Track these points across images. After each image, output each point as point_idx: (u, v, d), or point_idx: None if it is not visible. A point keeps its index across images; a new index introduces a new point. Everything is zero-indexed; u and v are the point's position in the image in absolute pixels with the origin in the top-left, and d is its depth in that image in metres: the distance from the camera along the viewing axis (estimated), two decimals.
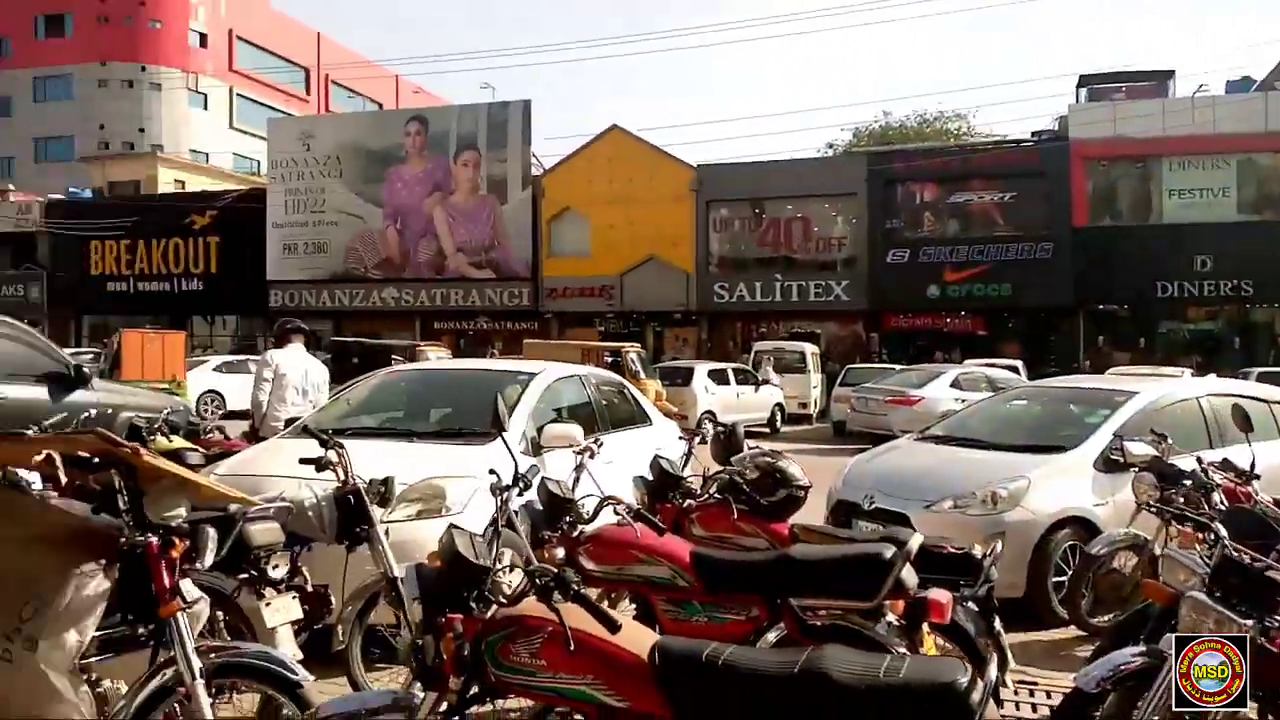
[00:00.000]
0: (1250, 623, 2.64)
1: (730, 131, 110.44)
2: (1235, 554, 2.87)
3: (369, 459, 4.34)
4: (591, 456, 4.77)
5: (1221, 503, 4.24)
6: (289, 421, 6.72)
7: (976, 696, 2.07)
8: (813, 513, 4.57)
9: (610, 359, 17.35)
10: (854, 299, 27.08)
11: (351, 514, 3.96)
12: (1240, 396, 6.49)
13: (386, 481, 4.15)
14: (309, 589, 3.68)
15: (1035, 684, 4.46)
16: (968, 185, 26.88)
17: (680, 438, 6.52)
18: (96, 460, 2.75)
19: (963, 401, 13.51)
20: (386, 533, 4.06)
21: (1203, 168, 25.18)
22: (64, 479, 2.62)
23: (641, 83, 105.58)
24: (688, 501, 4.45)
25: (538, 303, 29.63)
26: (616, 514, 3.63)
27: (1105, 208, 26.19)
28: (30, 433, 3.87)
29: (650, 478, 4.58)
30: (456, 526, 2.38)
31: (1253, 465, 4.62)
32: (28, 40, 46.05)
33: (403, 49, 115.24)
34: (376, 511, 4.03)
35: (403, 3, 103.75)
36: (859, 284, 27.05)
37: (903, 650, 3.05)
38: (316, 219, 31.51)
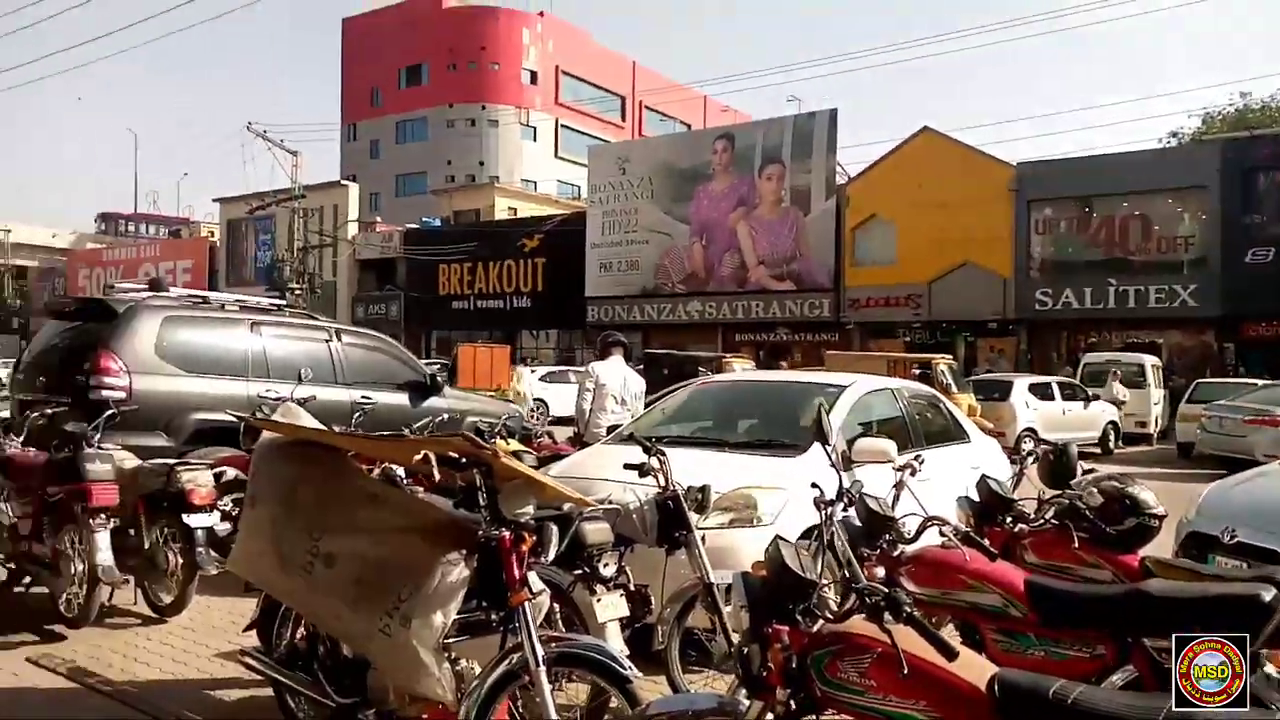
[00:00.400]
0: None
1: (1054, 126, 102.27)
2: None
3: (683, 466, 4.45)
4: (913, 474, 4.60)
5: None
6: (610, 428, 7.14)
7: None
8: (1158, 545, 4.09)
9: (918, 371, 16.69)
10: (1203, 305, 23.99)
11: (670, 519, 4.11)
12: None
13: (704, 489, 4.27)
14: (632, 588, 3.86)
15: None
16: None
17: (1012, 459, 6.11)
18: (463, 461, 3.06)
19: None
20: (702, 539, 4.16)
21: None
22: (438, 477, 2.94)
23: (953, 83, 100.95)
24: (1019, 526, 4.15)
25: (839, 313, 29.17)
26: (941, 535, 3.47)
27: None
28: (407, 434, 4.43)
29: (976, 499, 4.33)
30: (783, 538, 2.38)
31: None
32: (393, 90, 53.39)
33: (711, 70, 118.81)
34: (693, 517, 4.15)
35: (711, 24, 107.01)
36: (1210, 288, 23.93)
37: None
38: (629, 238, 33.24)
